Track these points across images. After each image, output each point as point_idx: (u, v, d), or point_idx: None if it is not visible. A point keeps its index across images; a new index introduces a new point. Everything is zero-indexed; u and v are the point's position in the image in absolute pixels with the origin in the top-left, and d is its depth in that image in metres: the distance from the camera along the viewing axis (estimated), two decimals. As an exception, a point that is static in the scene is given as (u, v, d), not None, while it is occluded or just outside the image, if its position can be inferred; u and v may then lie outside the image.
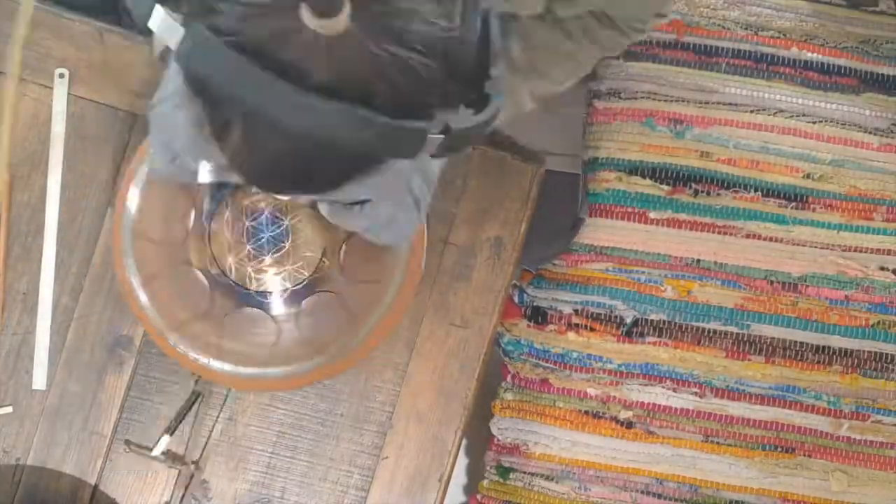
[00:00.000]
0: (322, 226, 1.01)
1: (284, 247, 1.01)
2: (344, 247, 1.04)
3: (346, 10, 0.61)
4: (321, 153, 0.68)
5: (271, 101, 0.63)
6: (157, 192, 1.05)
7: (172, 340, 1.05)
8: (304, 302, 1.05)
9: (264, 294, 1.04)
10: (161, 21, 0.66)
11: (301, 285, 1.04)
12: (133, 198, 1.05)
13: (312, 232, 1.03)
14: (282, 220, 1.00)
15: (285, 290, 1.04)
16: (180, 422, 1.09)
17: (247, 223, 1.01)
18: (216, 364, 1.05)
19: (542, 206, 1.17)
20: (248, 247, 1.01)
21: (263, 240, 1.01)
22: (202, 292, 1.04)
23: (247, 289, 1.03)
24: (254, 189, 1.00)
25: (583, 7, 0.98)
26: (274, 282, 1.03)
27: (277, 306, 1.05)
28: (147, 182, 1.04)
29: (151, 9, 0.66)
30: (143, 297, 1.05)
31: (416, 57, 0.64)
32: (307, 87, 0.63)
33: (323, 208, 0.91)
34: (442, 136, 0.68)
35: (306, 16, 0.61)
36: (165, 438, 1.09)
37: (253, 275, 1.03)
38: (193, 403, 1.09)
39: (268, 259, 1.02)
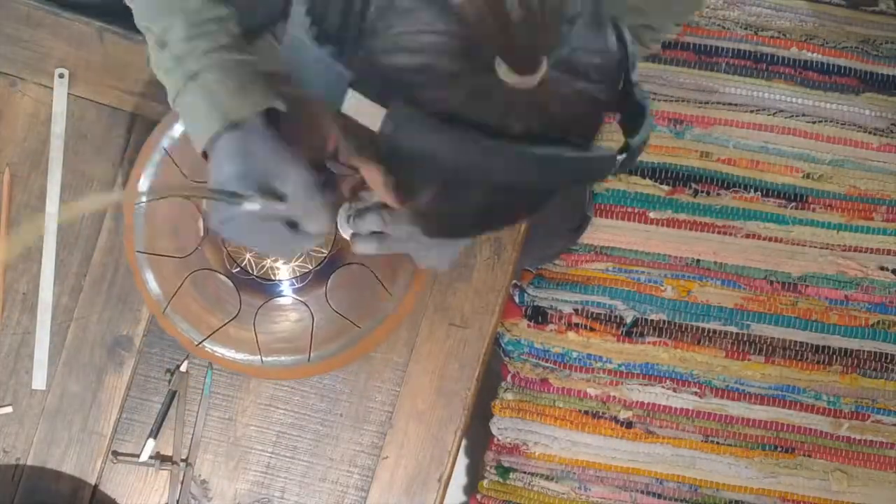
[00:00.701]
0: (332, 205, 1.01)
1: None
2: (339, 271, 1.05)
3: (545, 64, 0.63)
4: (520, 198, 0.70)
5: (477, 160, 0.64)
6: (161, 209, 1.04)
7: (211, 349, 1.05)
8: (330, 279, 1.04)
9: (290, 282, 1.04)
10: (357, 104, 0.65)
11: (322, 264, 1.04)
12: (139, 222, 1.05)
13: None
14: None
15: (308, 273, 1.04)
16: (161, 423, 1.09)
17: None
18: (265, 359, 1.05)
19: (551, 205, 1.17)
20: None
21: None
22: (229, 294, 1.04)
23: (270, 280, 1.03)
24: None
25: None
26: (293, 268, 1.03)
27: (305, 290, 1.05)
28: (147, 204, 1.04)
29: (343, 94, 0.65)
30: (172, 316, 1.05)
31: (598, 87, 0.66)
32: (509, 139, 0.64)
33: (366, 247, 0.93)
34: (624, 154, 0.70)
35: (505, 73, 0.62)
36: (150, 443, 1.09)
37: (273, 265, 1.03)
38: (171, 403, 1.09)
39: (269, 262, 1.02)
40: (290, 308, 1.06)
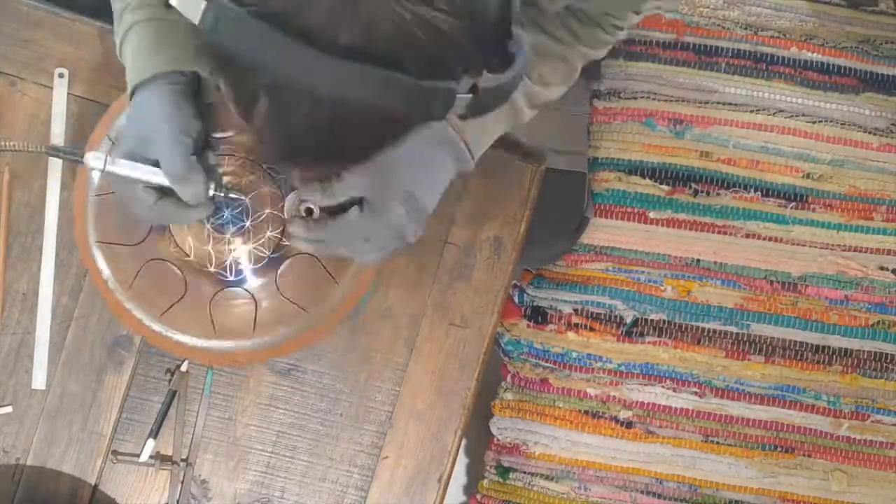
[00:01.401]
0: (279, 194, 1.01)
1: (244, 225, 1.00)
2: (292, 257, 1.04)
3: None
4: (349, 119, 0.67)
5: (299, 68, 0.63)
6: (110, 201, 1.04)
7: (157, 328, 1.05)
8: (280, 268, 1.04)
9: (239, 271, 1.03)
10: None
11: (274, 255, 1.03)
12: (90, 213, 1.04)
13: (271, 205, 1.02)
14: (241, 198, 0.99)
15: (259, 261, 1.03)
16: (161, 423, 1.09)
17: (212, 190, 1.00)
18: (204, 343, 1.05)
19: (547, 205, 1.17)
20: (208, 226, 1.00)
21: (224, 217, 0.99)
22: (178, 283, 1.04)
23: (219, 270, 1.02)
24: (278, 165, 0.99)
25: (561, 2, 0.97)
26: (245, 256, 1.02)
27: (255, 279, 1.04)
28: (97, 196, 1.04)
29: None
30: (126, 302, 1.05)
31: (441, 16, 0.63)
32: (334, 50, 0.62)
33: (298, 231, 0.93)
34: (469, 95, 0.67)
35: None
36: (150, 443, 1.09)
37: (217, 254, 1.02)
38: (171, 403, 1.09)
39: (229, 236, 1.00)
40: (243, 296, 1.05)
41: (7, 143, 1.00)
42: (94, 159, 0.90)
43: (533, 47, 0.96)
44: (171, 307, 1.04)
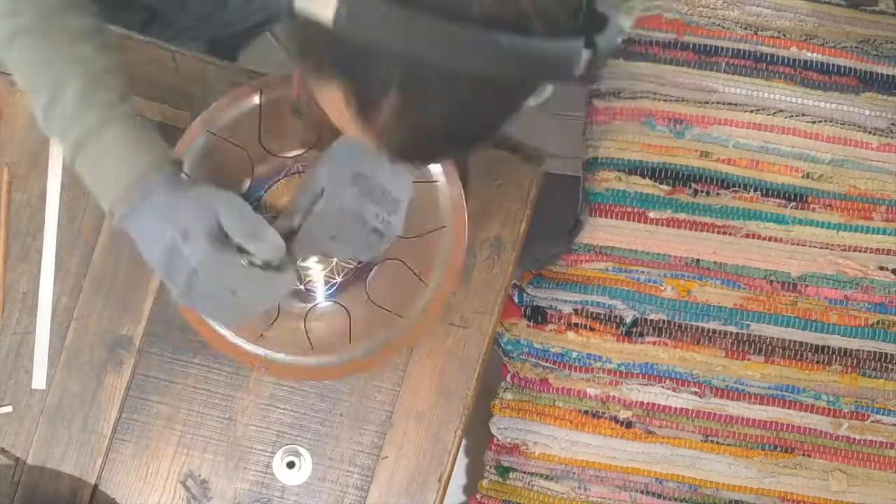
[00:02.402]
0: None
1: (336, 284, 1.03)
2: (378, 265, 1.05)
3: None
4: (487, 96, 0.67)
5: (439, 45, 0.62)
6: (214, 152, 1.04)
7: (253, 349, 1.04)
8: (369, 277, 1.05)
9: (329, 286, 1.04)
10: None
11: (350, 273, 1.04)
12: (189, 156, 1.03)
13: None
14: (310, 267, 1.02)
15: (345, 273, 1.03)
16: None
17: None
18: (304, 360, 1.05)
19: (542, 209, 1.17)
20: (302, 286, 1.02)
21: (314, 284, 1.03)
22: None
23: (307, 287, 1.03)
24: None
25: None
26: (323, 276, 1.03)
27: (337, 293, 1.05)
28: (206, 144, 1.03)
29: None
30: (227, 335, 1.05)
31: None
32: (469, 23, 0.62)
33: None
34: (590, 51, 0.67)
35: None
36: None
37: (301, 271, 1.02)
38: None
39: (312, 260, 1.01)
40: (316, 315, 1.05)
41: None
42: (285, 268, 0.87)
43: None
44: (269, 327, 1.04)
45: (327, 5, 0.63)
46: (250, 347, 1.04)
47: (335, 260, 1.02)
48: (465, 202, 1.05)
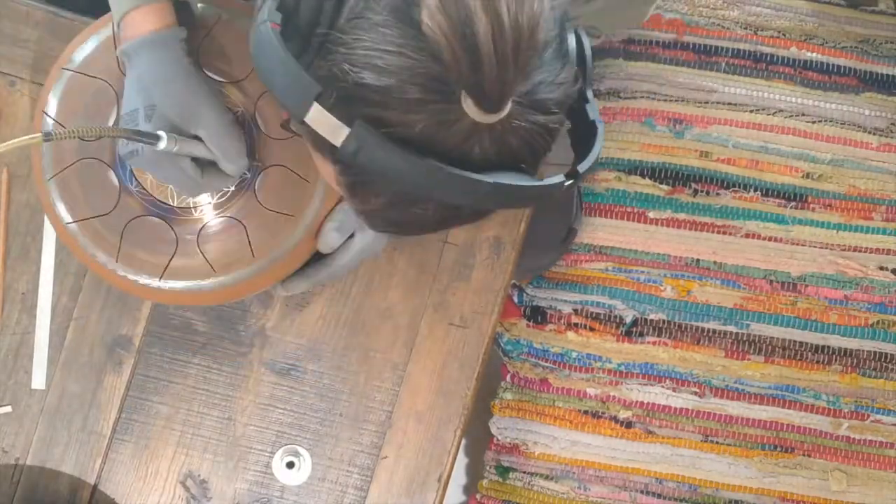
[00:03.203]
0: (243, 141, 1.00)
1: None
2: (261, 176, 1.02)
3: (510, 103, 0.65)
4: (463, 213, 0.74)
5: (434, 183, 0.66)
6: (78, 91, 1.02)
7: (74, 234, 1.01)
8: (210, 224, 1.02)
9: (172, 209, 1.01)
10: (320, 118, 0.66)
11: (214, 210, 1.02)
12: (54, 98, 1.02)
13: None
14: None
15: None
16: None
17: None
18: (113, 265, 1.02)
19: (537, 217, 1.17)
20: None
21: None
22: (110, 192, 1.02)
23: (155, 198, 1.00)
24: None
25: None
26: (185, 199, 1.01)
27: (187, 222, 1.02)
28: (67, 83, 1.01)
29: (307, 106, 0.67)
30: (53, 190, 1.01)
31: (554, 118, 0.70)
32: (466, 165, 0.66)
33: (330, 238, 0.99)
34: (571, 181, 0.73)
35: (470, 108, 0.65)
36: None
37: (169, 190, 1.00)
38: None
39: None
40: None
41: (76, 133, 0.98)
42: (167, 142, 0.88)
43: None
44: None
45: (337, 135, 0.66)
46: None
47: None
48: None
